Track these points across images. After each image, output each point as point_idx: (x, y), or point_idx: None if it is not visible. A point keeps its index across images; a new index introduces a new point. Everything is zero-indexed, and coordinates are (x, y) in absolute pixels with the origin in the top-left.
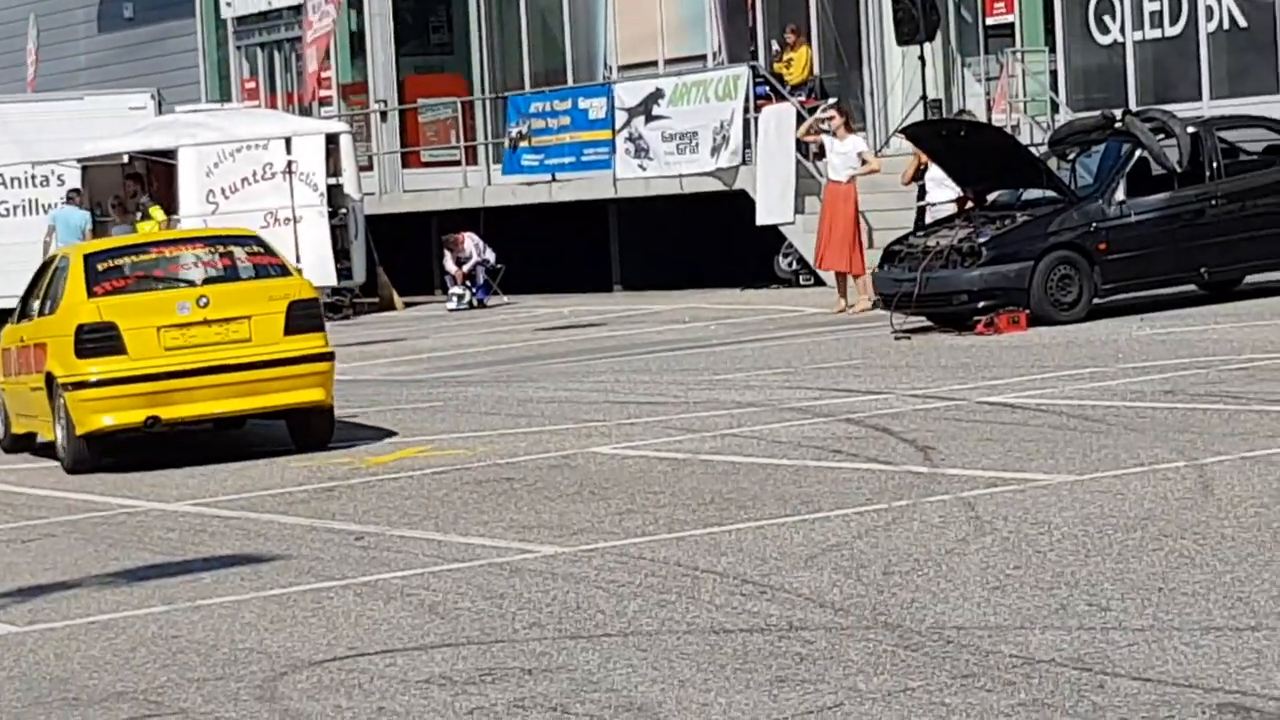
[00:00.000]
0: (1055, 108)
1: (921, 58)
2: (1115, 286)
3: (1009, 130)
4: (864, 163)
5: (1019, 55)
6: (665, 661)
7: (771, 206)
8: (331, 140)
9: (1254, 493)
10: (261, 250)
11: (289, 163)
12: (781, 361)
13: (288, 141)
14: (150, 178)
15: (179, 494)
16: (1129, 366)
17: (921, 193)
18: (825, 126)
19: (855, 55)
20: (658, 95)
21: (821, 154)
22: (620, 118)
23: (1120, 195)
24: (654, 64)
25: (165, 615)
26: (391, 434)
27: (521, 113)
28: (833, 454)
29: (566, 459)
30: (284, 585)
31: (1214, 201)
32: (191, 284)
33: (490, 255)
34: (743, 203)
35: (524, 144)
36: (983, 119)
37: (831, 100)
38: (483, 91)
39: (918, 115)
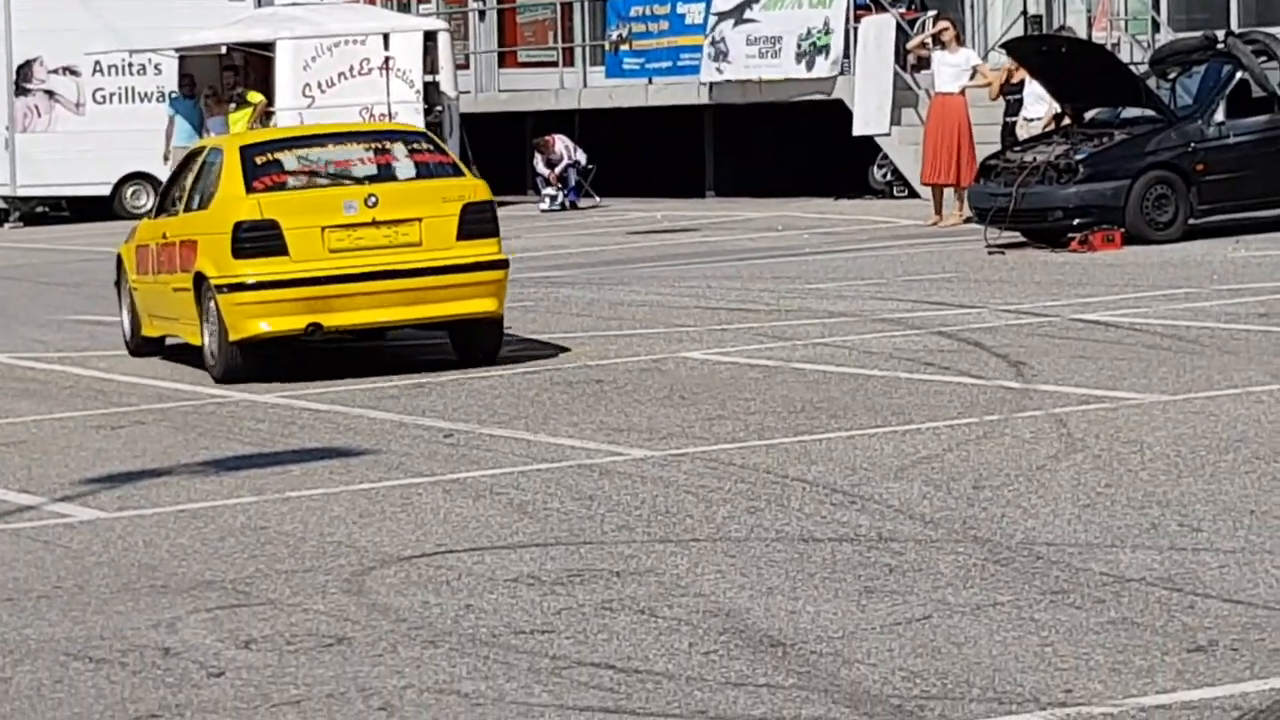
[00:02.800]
0: (1156, 27)
1: None
2: (1212, 207)
3: (1109, 48)
4: (976, 74)
5: None
6: (754, 568)
7: (869, 117)
8: (429, 37)
9: None
10: (432, 148)
11: (386, 59)
12: (874, 273)
13: (385, 37)
14: (247, 70)
15: (268, 385)
16: (1223, 288)
17: (1009, 109)
18: (939, 38)
19: None
20: (752, 0)
21: (920, 67)
22: (712, 21)
23: (1220, 116)
24: None
25: (254, 506)
26: None
27: (621, 16)
28: (924, 366)
29: (657, 363)
30: (373, 480)
31: None
32: (359, 181)
33: (581, 157)
34: (839, 113)
35: (625, 47)
36: (1083, 36)
37: (932, 13)
38: None
39: (1017, 31)
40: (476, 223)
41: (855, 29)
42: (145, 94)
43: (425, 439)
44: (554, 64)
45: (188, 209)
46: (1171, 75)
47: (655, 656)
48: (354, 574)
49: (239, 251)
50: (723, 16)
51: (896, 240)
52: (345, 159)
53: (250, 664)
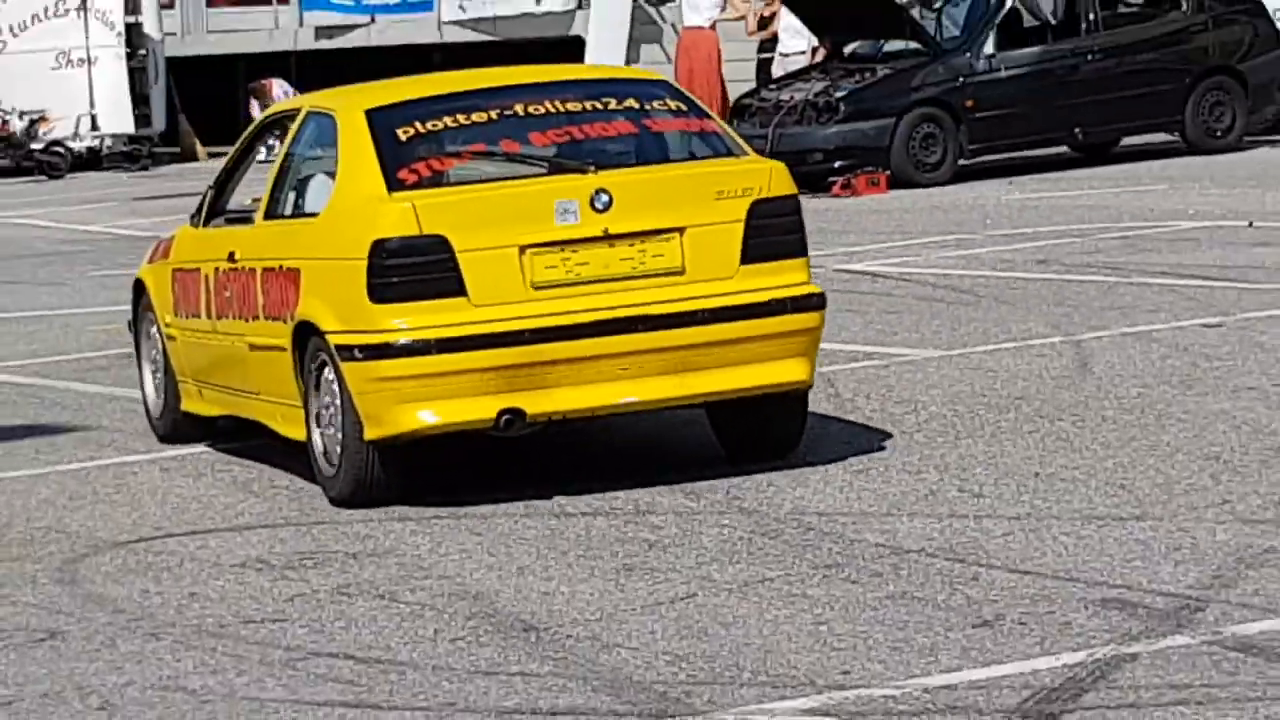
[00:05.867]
0: None
1: None
2: (983, 146)
3: None
4: (728, 6)
5: None
6: (502, 546)
7: (602, 52)
8: None
9: (1135, 371)
10: (685, 107)
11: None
12: None
13: None
14: None
15: None
16: (998, 234)
17: (766, 44)
18: None
19: None
20: None
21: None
22: None
23: (989, 48)
24: None
25: None
26: None
27: None
28: None
29: None
30: (83, 459)
31: (1090, 56)
32: (578, 168)
33: None
34: (579, 51)
35: None
36: None
37: None
38: None
39: None
40: (773, 233)
41: None
42: None
43: (139, 413)
44: (267, 1)
45: (275, 214)
46: (937, 4)
47: (398, 645)
48: (65, 562)
49: (383, 290)
50: None
51: None
52: (543, 129)
53: None
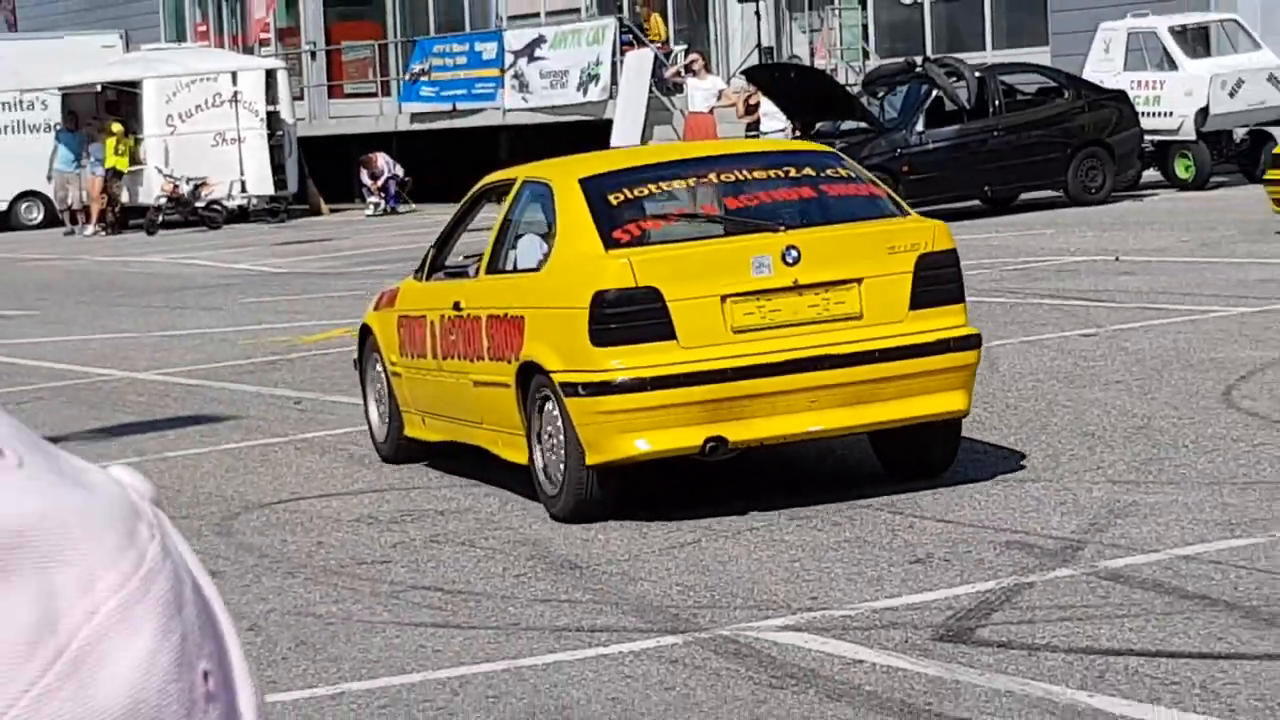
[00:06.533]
0: (867, 55)
1: (757, 13)
2: (917, 201)
3: (829, 73)
4: (722, 96)
5: (837, 11)
6: (542, 512)
7: (624, 132)
8: (270, 74)
9: (1030, 370)
10: (851, 173)
11: (235, 92)
12: None
13: (234, 75)
14: (120, 104)
15: (146, 365)
16: None
17: (752, 126)
18: (691, 67)
19: (703, 10)
20: (540, 40)
21: (675, 91)
22: (508, 59)
23: (920, 126)
24: (537, 15)
25: (138, 465)
26: (325, 317)
27: (426, 53)
28: None
29: None
30: (236, 441)
31: (995, 133)
32: (770, 227)
33: (399, 170)
34: (608, 130)
35: (424, 78)
36: (808, 64)
37: (682, 47)
38: (395, 35)
39: (754, 60)
40: (937, 283)
41: (621, 61)
42: (34, 125)
43: (279, 406)
44: (374, 94)
45: (496, 269)
46: (880, 94)
47: (475, 580)
48: (222, 519)
49: (602, 335)
50: (518, 55)
51: None
52: (735, 194)
53: None
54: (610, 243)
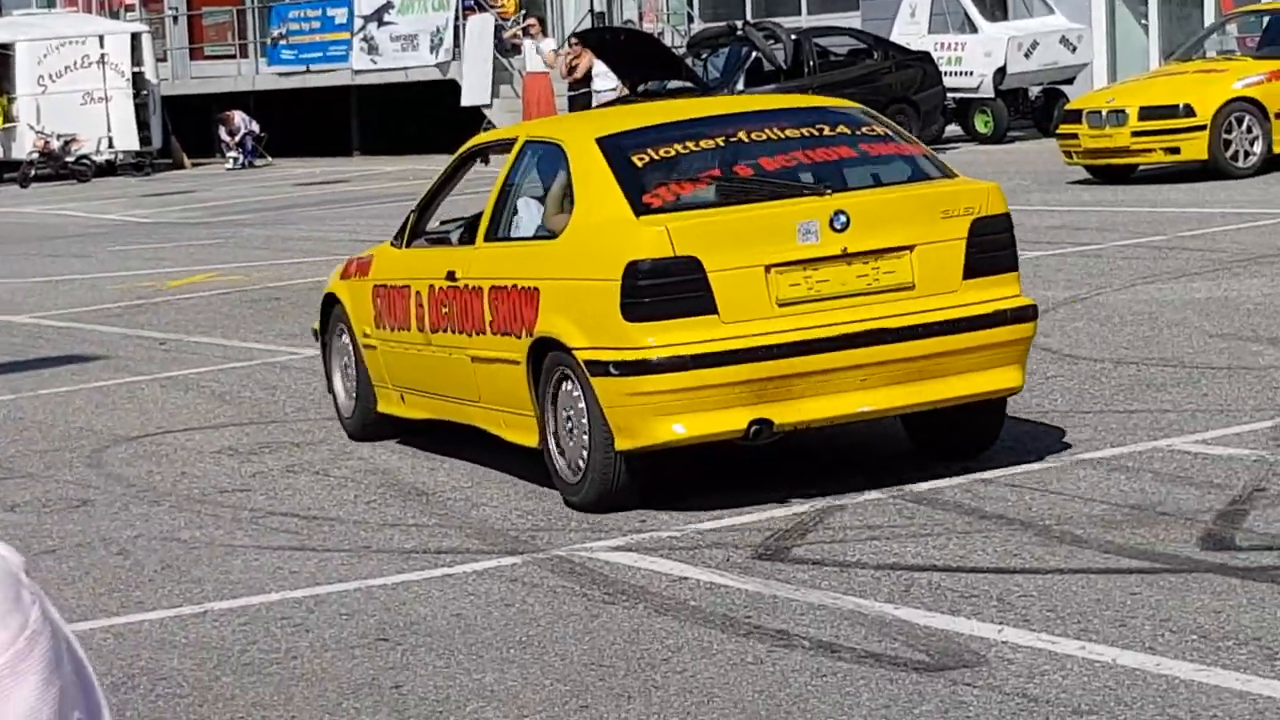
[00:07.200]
0: (691, 19)
1: None
2: None
3: (657, 35)
4: (546, 59)
5: None
6: (394, 441)
7: (474, 91)
8: (135, 38)
9: None
10: (888, 131)
11: (102, 55)
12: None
13: (101, 39)
14: None
15: (21, 308)
16: None
17: (574, 85)
18: (528, 30)
19: None
20: (388, 6)
21: (516, 51)
22: (358, 23)
23: (740, 85)
24: None
25: (12, 401)
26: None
27: (283, 18)
28: None
29: (320, 283)
30: (106, 379)
31: (811, 91)
32: (816, 190)
33: (255, 127)
34: (453, 89)
35: (283, 42)
36: (637, 27)
37: (522, 12)
38: (252, 1)
39: (587, 24)
40: (991, 249)
41: (464, 25)
42: None
43: (145, 346)
44: (232, 56)
45: (497, 236)
46: (704, 55)
47: (329, 506)
48: (93, 451)
49: (636, 309)
50: (367, 19)
51: None
52: (770, 154)
53: (15, 523)
54: (641, 208)
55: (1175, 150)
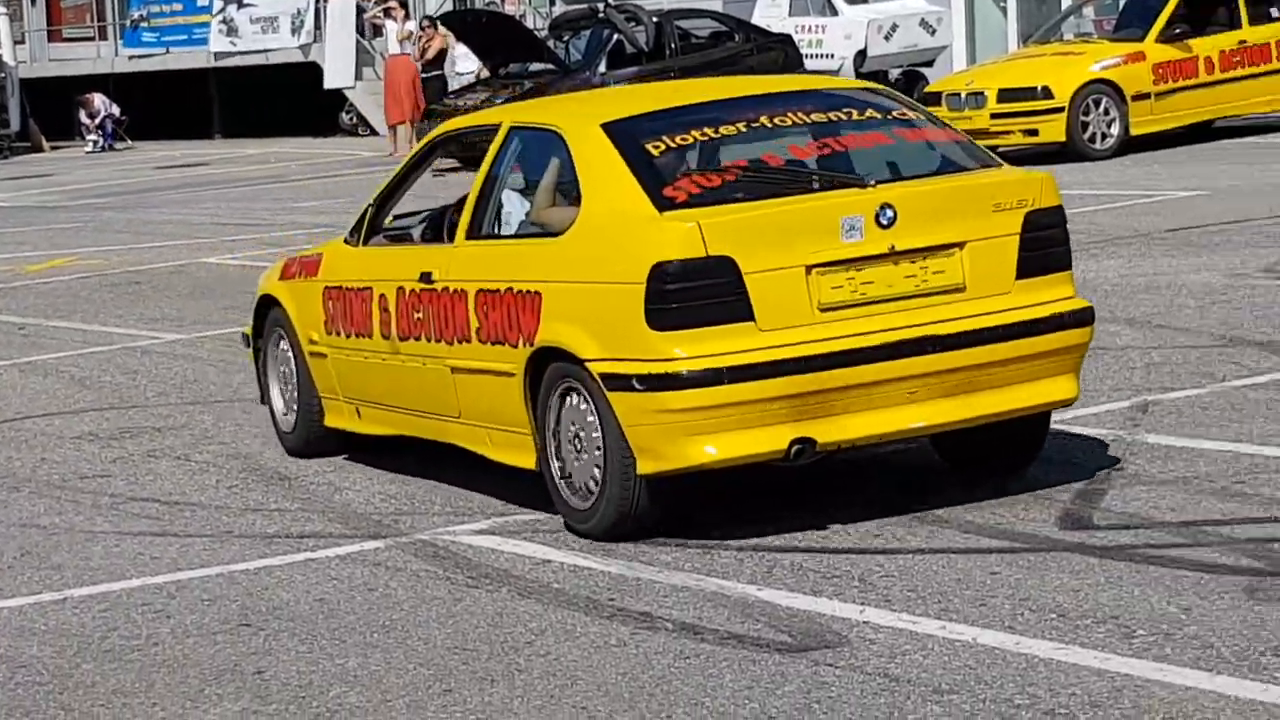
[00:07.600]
0: (553, 2)
1: None
2: None
3: (519, 18)
4: (413, 41)
5: None
6: (265, 423)
7: (336, 74)
8: None
9: None
10: (922, 116)
11: None
12: (345, 193)
13: None
14: None
15: None
16: None
17: (428, 66)
18: (389, 12)
19: None
20: None
21: (377, 33)
22: (217, 5)
23: (603, 68)
24: None
25: None
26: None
27: (143, 1)
28: None
29: (182, 267)
30: None
31: (672, 73)
32: (858, 182)
33: (115, 110)
34: (315, 71)
35: (144, 25)
36: (500, 10)
37: None
38: None
39: (449, 6)
40: (1046, 246)
41: (324, 6)
42: None
43: (3, 331)
44: (92, 39)
45: (481, 234)
46: (565, 38)
47: (190, 491)
48: None
49: (665, 317)
50: (227, 1)
51: (361, 168)
52: (800, 141)
53: None
54: (663, 203)
55: (1034, 132)
